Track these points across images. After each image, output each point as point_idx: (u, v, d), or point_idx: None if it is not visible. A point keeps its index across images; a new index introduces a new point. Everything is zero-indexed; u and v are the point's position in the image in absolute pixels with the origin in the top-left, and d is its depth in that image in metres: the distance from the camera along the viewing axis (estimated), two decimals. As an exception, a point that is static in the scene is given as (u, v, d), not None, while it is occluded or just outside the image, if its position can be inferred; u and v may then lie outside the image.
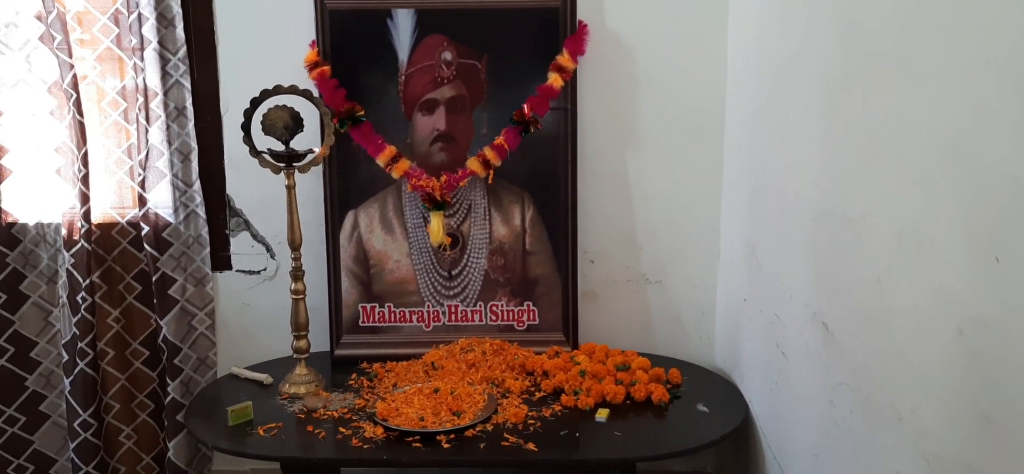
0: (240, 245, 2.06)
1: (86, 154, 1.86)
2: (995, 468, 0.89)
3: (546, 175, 1.95)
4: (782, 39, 1.57)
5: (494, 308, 2.00)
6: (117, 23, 1.88)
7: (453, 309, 2.00)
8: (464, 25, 1.89)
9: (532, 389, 1.80)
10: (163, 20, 1.86)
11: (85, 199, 1.87)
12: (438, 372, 1.83)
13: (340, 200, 1.96)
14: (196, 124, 1.93)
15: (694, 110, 1.96)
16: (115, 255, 1.97)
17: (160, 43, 1.86)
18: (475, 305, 2.00)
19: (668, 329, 2.07)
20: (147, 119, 1.89)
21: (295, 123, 1.71)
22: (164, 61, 1.87)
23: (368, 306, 2.00)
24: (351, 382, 1.85)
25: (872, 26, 1.18)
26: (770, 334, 1.65)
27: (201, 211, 1.97)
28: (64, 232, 1.89)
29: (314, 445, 1.58)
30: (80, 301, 1.88)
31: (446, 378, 1.79)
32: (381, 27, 1.89)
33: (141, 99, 1.88)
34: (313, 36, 1.90)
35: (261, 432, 1.62)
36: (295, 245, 1.77)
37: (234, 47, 1.95)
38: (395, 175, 1.93)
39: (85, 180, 1.87)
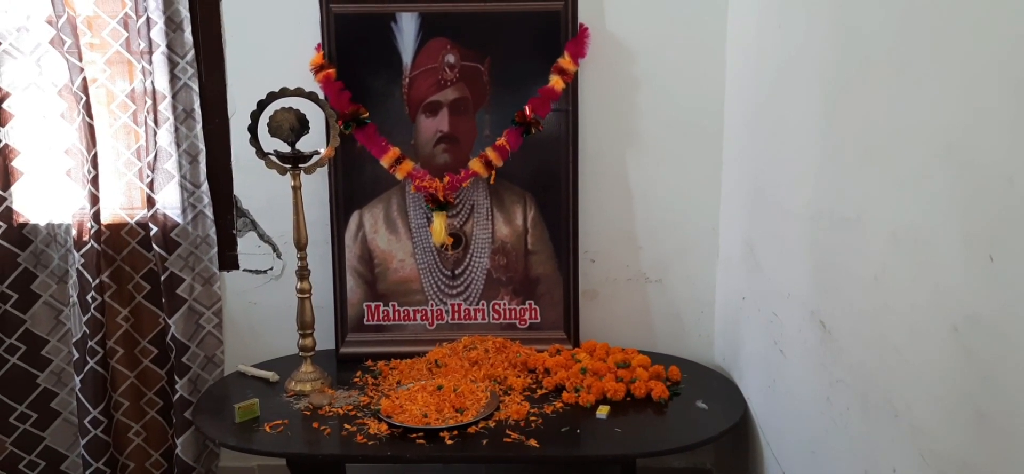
0: (247, 245, 2.08)
1: (96, 156, 1.89)
2: (990, 463, 0.89)
3: (548, 176, 1.97)
4: (780, 41, 1.58)
5: (496, 307, 2.02)
6: (126, 27, 1.91)
7: (456, 308, 2.02)
8: (467, 28, 1.91)
9: (534, 386, 1.82)
10: (171, 24, 1.88)
11: (95, 200, 1.90)
12: (441, 370, 1.86)
13: (345, 201, 1.99)
14: (204, 126, 1.96)
15: (693, 112, 1.97)
16: (124, 255, 1.99)
17: (168, 47, 1.88)
18: (478, 304, 2.02)
19: (668, 327, 2.09)
20: (156, 121, 1.91)
21: (301, 125, 1.73)
22: (172, 64, 1.89)
23: (372, 305, 2.02)
24: (356, 379, 1.87)
25: (869, 29, 1.19)
26: (768, 332, 1.66)
27: (209, 212, 1.99)
28: (74, 232, 1.92)
29: (320, 441, 1.60)
30: (90, 300, 1.91)
31: (449, 376, 1.81)
32: (385, 30, 1.92)
33: (150, 102, 1.90)
34: (319, 39, 1.92)
35: (268, 429, 1.64)
36: (301, 245, 1.80)
37: (241, 51, 1.97)
38: (399, 176, 1.95)
39: (95, 181, 1.89)
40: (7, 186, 1.92)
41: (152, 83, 1.89)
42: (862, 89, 1.21)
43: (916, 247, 1.04)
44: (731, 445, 1.92)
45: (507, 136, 1.92)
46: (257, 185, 2.01)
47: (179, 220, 1.97)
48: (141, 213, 1.99)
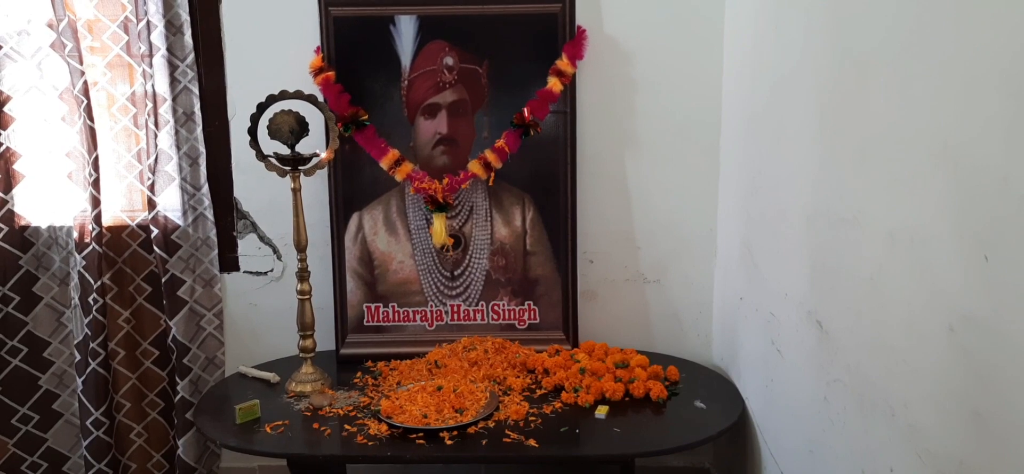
0: (247, 247, 2.09)
1: (97, 159, 1.90)
2: (986, 462, 0.90)
3: (546, 177, 1.98)
4: (778, 43, 1.59)
5: (496, 307, 2.03)
6: (127, 31, 1.91)
7: (455, 309, 2.03)
8: (465, 31, 1.92)
9: (533, 387, 1.82)
10: (171, 27, 1.89)
11: (96, 203, 1.90)
12: (441, 370, 1.86)
13: (345, 202, 2.00)
14: (204, 129, 1.96)
15: (691, 113, 1.98)
16: (125, 257, 2.00)
17: (169, 50, 1.89)
18: (477, 305, 2.03)
19: (666, 327, 2.09)
20: (156, 124, 1.92)
21: (300, 127, 1.74)
22: (172, 67, 1.90)
23: (372, 306, 2.03)
24: (356, 380, 1.88)
25: (866, 31, 1.19)
26: (766, 332, 1.67)
27: (209, 214, 1.99)
28: (75, 235, 1.93)
29: (320, 442, 1.61)
30: (92, 302, 1.92)
31: (449, 376, 1.82)
32: (384, 33, 1.93)
33: (150, 105, 1.91)
34: (318, 42, 1.93)
35: (268, 430, 1.64)
36: (301, 247, 1.81)
37: (241, 53, 1.98)
38: (398, 178, 1.96)
39: (96, 184, 1.90)
40: (9, 189, 1.93)
41: (152, 86, 1.90)
42: (859, 90, 1.21)
43: (912, 248, 1.05)
44: (729, 444, 1.93)
45: (506, 138, 1.93)
46: (257, 187, 2.02)
47: (180, 222, 1.98)
48: (142, 215, 1.99)
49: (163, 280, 1.97)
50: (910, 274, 1.06)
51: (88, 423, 1.96)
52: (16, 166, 1.93)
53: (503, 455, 1.55)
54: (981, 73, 0.89)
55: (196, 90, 1.93)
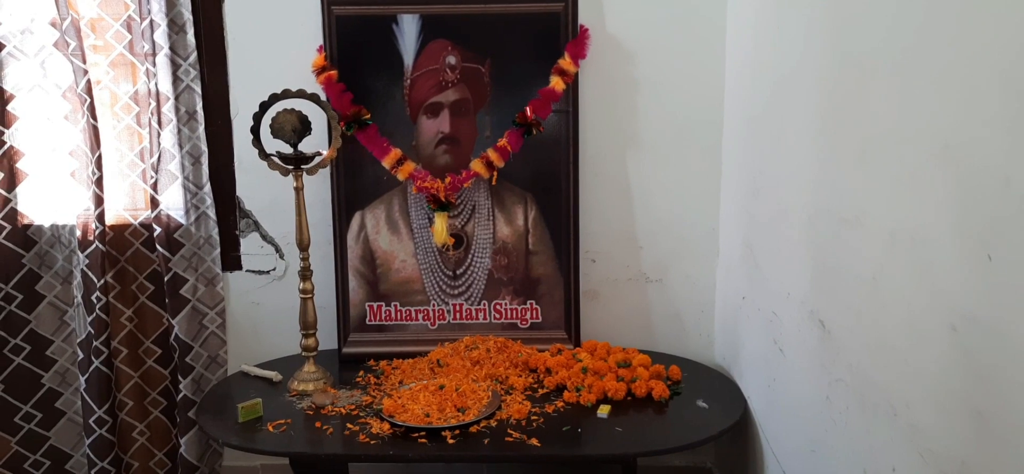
0: (250, 246, 2.09)
1: (100, 157, 1.90)
2: (989, 462, 0.90)
3: (548, 176, 1.98)
4: (780, 42, 1.59)
5: (498, 307, 2.03)
6: (130, 29, 1.92)
7: (458, 308, 2.03)
8: (468, 30, 1.92)
9: (535, 386, 1.83)
10: (174, 26, 1.89)
11: (99, 201, 1.91)
12: (443, 369, 1.87)
13: (347, 201, 2.00)
14: (207, 128, 1.96)
15: (693, 113, 1.98)
16: (128, 256, 2.00)
17: (171, 49, 1.89)
18: (479, 304, 2.03)
19: (668, 327, 2.09)
20: (159, 123, 1.93)
21: (303, 126, 1.74)
22: (175, 66, 1.90)
23: (375, 305, 2.03)
24: (358, 379, 1.89)
25: (867, 31, 1.20)
26: (768, 332, 1.67)
27: (212, 213, 2.00)
28: (78, 233, 1.93)
29: (322, 441, 1.61)
30: (94, 301, 1.92)
31: (451, 375, 1.82)
32: (387, 32, 1.93)
33: (153, 103, 1.91)
34: (320, 41, 1.93)
35: (271, 428, 1.65)
36: (303, 245, 1.81)
37: (244, 52, 1.98)
38: (400, 177, 1.96)
39: (99, 183, 1.90)
40: (12, 187, 1.93)
41: (155, 85, 1.90)
42: (860, 90, 1.22)
43: (914, 247, 1.05)
44: (731, 444, 1.93)
45: (508, 137, 1.93)
46: (260, 186, 2.03)
47: (182, 221, 1.98)
48: (145, 214, 2.00)
49: (166, 279, 1.98)
50: (912, 274, 1.06)
51: (91, 421, 1.97)
52: (19, 164, 1.94)
53: (505, 454, 1.55)
54: (982, 73, 0.89)
55: (199, 89, 1.94)
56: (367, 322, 2.04)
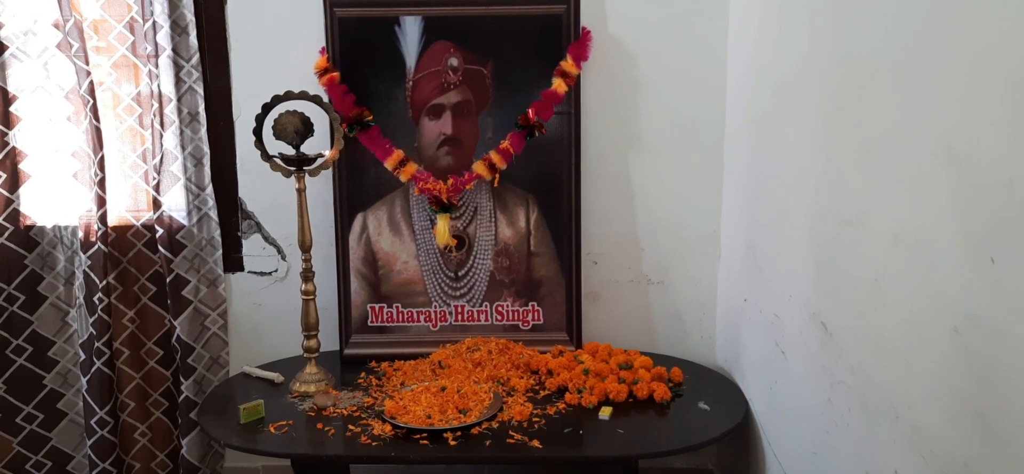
0: (252, 247, 2.09)
1: (102, 159, 1.90)
2: (991, 464, 0.90)
3: (550, 178, 1.98)
4: (782, 44, 1.59)
5: (499, 308, 2.03)
6: (132, 31, 1.92)
7: (459, 309, 2.03)
8: (470, 32, 1.93)
9: (537, 387, 1.83)
10: (177, 28, 1.90)
11: (101, 202, 1.91)
12: (445, 371, 1.87)
13: (349, 203, 2.00)
14: (209, 129, 1.97)
15: (695, 115, 1.98)
16: (130, 257, 2.01)
17: (174, 50, 1.90)
18: (481, 305, 2.03)
19: (670, 329, 2.09)
20: (161, 124, 1.93)
21: (305, 128, 1.74)
22: (178, 68, 1.91)
23: (376, 306, 2.04)
24: (360, 381, 1.89)
25: (869, 32, 1.20)
26: (770, 333, 1.67)
27: (214, 214, 2.00)
28: (81, 235, 1.94)
29: (324, 442, 1.61)
30: (97, 302, 1.93)
31: (453, 377, 1.82)
32: (389, 34, 1.93)
33: (156, 105, 1.92)
34: (323, 43, 1.94)
35: (272, 429, 1.65)
36: (305, 247, 1.81)
37: (246, 54, 1.98)
38: (403, 178, 1.96)
39: (101, 184, 1.91)
40: (15, 188, 1.94)
41: (158, 86, 1.91)
42: (862, 91, 1.22)
43: (917, 249, 1.05)
44: (733, 446, 1.93)
45: (510, 139, 1.93)
46: (262, 187, 2.03)
47: (184, 222, 1.98)
48: (147, 215, 2.00)
49: (168, 280, 1.98)
50: (914, 276, 1.06)
51: (92, 422, 1.97)
52: (22, 165, 1.94)
53: (507, 456, 1.55)
54: (985, 74, 0.89)
55: (201, 90, 1.94)
56: (369, 323, 2.04)
